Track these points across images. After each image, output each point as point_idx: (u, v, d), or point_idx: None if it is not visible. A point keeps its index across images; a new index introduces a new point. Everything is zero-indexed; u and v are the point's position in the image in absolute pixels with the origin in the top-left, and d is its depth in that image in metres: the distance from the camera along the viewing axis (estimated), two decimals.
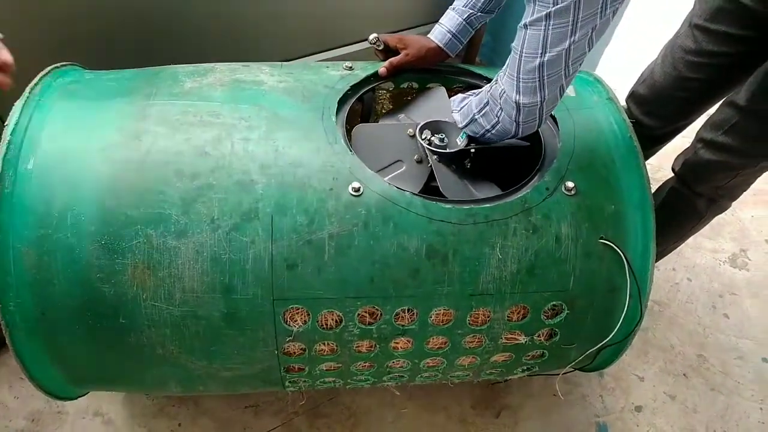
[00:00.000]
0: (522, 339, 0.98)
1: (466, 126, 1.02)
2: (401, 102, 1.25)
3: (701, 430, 1.38)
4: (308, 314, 0.89)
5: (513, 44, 0.87)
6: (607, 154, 0.99)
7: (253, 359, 0.93)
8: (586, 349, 1.03)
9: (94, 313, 0.86)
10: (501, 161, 1.06)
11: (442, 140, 1.04)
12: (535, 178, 0.96)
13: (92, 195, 0.84)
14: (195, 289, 0.85)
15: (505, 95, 0.90)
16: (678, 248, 1.53)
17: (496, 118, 0.94)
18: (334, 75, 1.08)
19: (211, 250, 0.84)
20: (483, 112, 0.97)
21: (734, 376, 1.48)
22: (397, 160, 1.08)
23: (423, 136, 1.05)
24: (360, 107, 1.19)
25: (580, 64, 0.86)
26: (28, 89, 0.93)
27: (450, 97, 1.13)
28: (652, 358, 1.49)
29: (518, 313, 0.95)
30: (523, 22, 0.83)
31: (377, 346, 0.94)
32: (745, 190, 1.28)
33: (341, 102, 1.03)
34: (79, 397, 1.08)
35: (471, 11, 1.14)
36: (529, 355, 1.04)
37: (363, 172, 0.90)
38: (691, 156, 1.23)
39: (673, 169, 1.31)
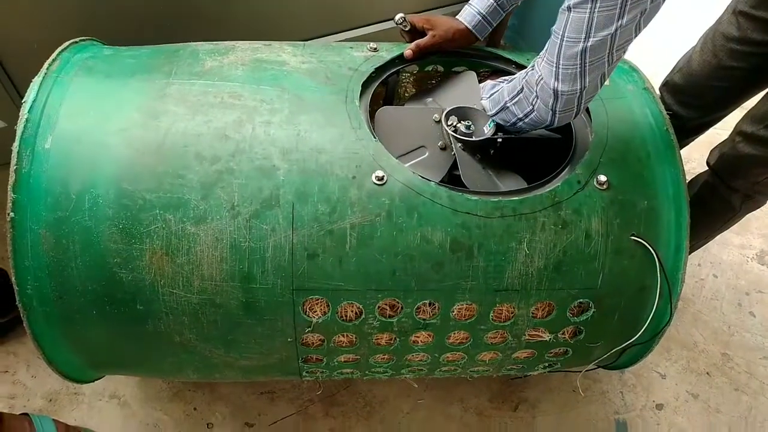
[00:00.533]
0: (546, 336, 0.95)
1: (496, 114, 0.98)
2: (424, 85, 1.21)
3: (724, 430, 1.35)
4: (328, 305, 0.87)
5: (554, 27, 0.82)
6: (641, 147, 0.94)
7: (270, 349, 0.92)
8: (611, 348, 1.00)
9: (112, 299, 0.84)
10: (529, 152, 1.02)
11: (468, 127, 1.01)
12: (566, 170, 0.92)
13: (110, 177, 0.82)
14: (213, 277, 0.83)
15: (542, 82, 0.86)
16: (726, 230, 1.47)
17: (531, 106, 0.90)
18: (358, 56, 1.04)
19: (231, 238, 0.82)
20: (516, 99, 0.93)
21: (759, 377, 1.44)
22: (421, 146, 1.05)
23: (449, 122, 1.02)
24: (383, 90, 1.15)
25: (625, 51, 0.81)
26: (46, 65, 0.90)
27: (480, 82, 1.09)
28: (675, 355, 1.46)
29: (543, 310, 0.92)
30: (566, 4, 0.78)
31: (397, 339, 0.92)
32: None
33: (365, 85, 0.99)
34: (96, 380, 1.07)
35: None
36: (552, 352, 1.01)
37: (387, 160, 0.87)
38: (729, 149, 1.18)
39: (708, 163, 1.26)
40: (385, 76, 1.06)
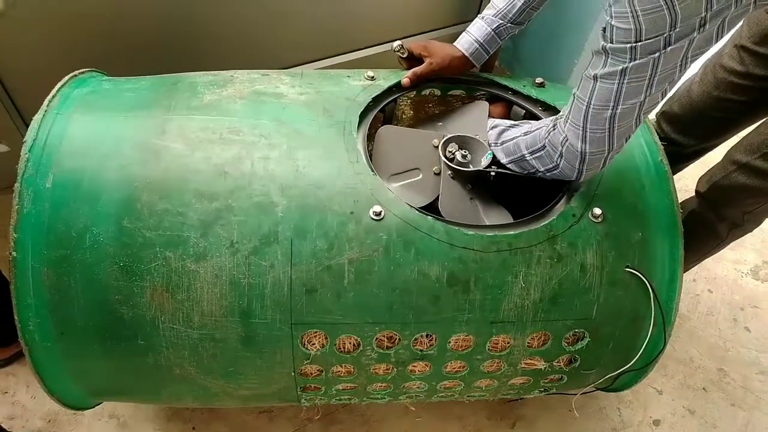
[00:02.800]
0: (541, 365, 0.96)
1: (511, 162, 0.98)
2: (422, 108, 1.22)
3: None
4: (326, 338, 0.88)
5: (576, 92, 0.82)
6: (636, 179, 0.95)
7: (270, 380, 0.93)
8: (606, 374, 1.02)
9: (113, 334, 0.85)
10: (523, 185, 1.03)
11: (464, 156, 1.02)
12: (561, 202, 0.93)
13: (111, 215, 0.83)
14: (213, 313, 0.84)
15: (567, 143, 0.85)
16: (709, 257, 1.49)
17: (554, 164, 0.89)
18: (355, 86, 1.05)
19: (230, 274, 0.83)
20: (537, 155, 0.91)
21: (755, 391, 1.46)
22: (415, 168, 1.06)
23: (449, 149, 1.03)
24: (382, 115, 1.16)
25: (651, 112, 0.82)
26: (46, 102, 0.91)
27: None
28: (672, 371, 1.48)
29: (539, 340, 0.93)
30: (592, 72, 0.78)
31: (394, 369, 0.94)
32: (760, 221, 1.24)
33: (363, 114, 1.00)
34: (95, 406, 1.08)
35: (501, 22, 1.10)
36: (547, 379, 1.02)
37: (385, 194, 0.88)
38: (721, 178, 1.19)
39: (697, 191, 1.27)
40: (382, 105, 1.07)
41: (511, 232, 0.87)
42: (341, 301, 0.85)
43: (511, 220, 0.98)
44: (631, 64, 0.73)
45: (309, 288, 0.84)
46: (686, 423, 1.40)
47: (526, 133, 0.95)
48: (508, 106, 1.16)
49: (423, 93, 1.20)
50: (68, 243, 0.82)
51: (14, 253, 0.81)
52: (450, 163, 1.00)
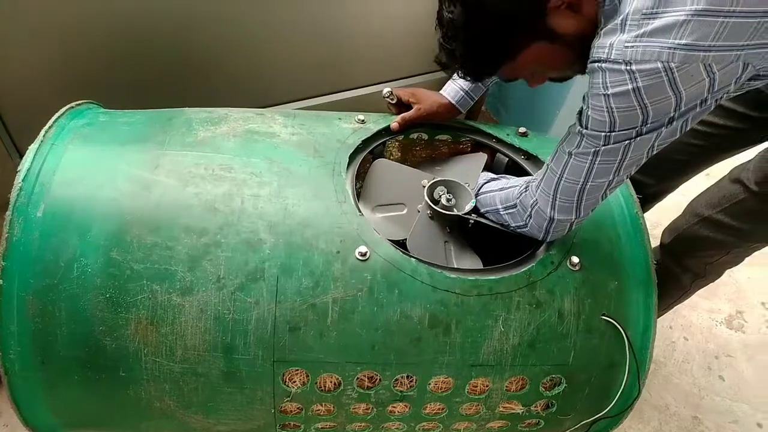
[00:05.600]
0: (519, 409, 0.98)
1: (487, 213, 1.03)
2: (410, 151, 1.26)
3: None
4: (307, 376, 0.89)
5: (550, 164, 0.87)
6: (612, 229, 0.99)
7: (249, 416, 0.93)
8: (582, 420, 1.03)
9: (94, 365, 0.85)
10: (498, 237, 1.06)
11: (449, 201, 1.05)
12: (540, 249, 0.96)
13: (100, 246, 0.84)
14: (196, 347, 0.85)
15: (537, 207, 0.90)
16: (674, 307, 1.54)
17: (523, 222, 0.94)
18: (346, 128, 1.09)
19: (215, 309, 0.84)
20: (509, 211, 0.97)
21: None
22: (401, 203, 1.10)
23: (437, 191, 1.06)
24: (371, 157, 1.20)
25: (616, 190, 0.87)
26: (42, 132, 0.93)
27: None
28: (647, 417, 1.49)
29: (517, 384, 0.95)
30: (567, 149, 0.83)
31: (374, 409, 0.94)
32: (730, 268, 1.29)
33: (352, 156, 1.04)
34: None
35: None
36: (524, 423, 1.03)
37: (370, 235, 0.90)
38: (684, 230, 1.24)
39: (661, 243, 1.32)
40: (371, 148, 1.10)
41: (493, 277, 0.90)
42: (324, 339, 0.86)
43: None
44: (603, 148, 0.79)
45: (292, 326, 0.85)
46: None
47: (501, 189, 1.00)
48: (492, 154, 1.20)
49: (411, 137, 1.24)
50: (55, 273, 0.83)
51: (0, 281, 0.82)
52: (432, 204, 1.04)
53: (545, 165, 0.89)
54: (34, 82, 1.24)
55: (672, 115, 0.73)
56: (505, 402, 0.97)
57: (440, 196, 1.06)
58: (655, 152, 0.80)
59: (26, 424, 0.91)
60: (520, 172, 1.12)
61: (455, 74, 1.20)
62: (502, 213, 0.98)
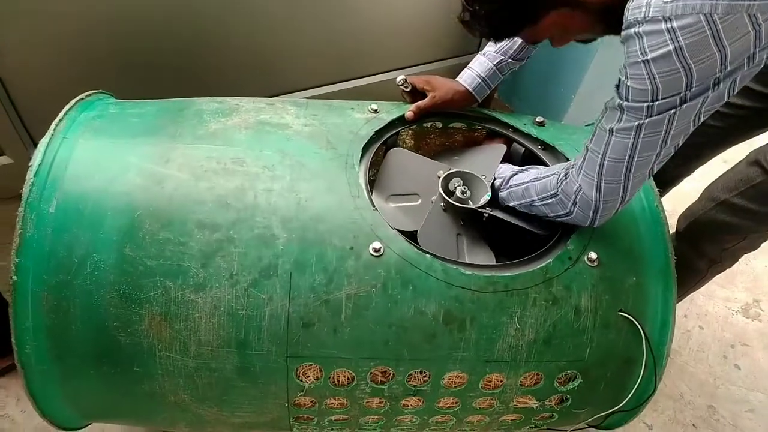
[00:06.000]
0: (533, 403, 0.97)
1: (520, 206, 0.99)
2: (424, 139, 1.24)
3: None
4: (321, 371, 0.88)
5: (590, 144, 0.84)
6: (632, 222, 0.97)
7: (263, 409, 0.93)
8: (597, 413, 1.03)
9: (109, 360, 0.86)
10: (512, 231, 1.04)
11: (464, 193, 1.04)
12: (558, 245, 0.94)
13: (113, 242, 0.83)
14: (210, 343, 0.85)
15: (581, 193, 0.86)
16: (690, 295, 1.52)
17: (567, 211, 0.90)
18: (359, 118, 1.07)
19: (229, 306, 0.84)
20: (547, 201, 0.92)
21: (744, 429, 1.46)
22: (415, 193, 1.08)
23: (451, 182, 1.04)
24: (384, 147, 1.18)
25: (664, 162, 0.83)
26: (53, 126, 0.92)
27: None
28: (662, 406, 1.48)
29: (531, 379, 0.94)
30: (607, 126, 0.80)
31: (387, 403, 0.94)
32: (746, 253, 1.26)
33: (366, 147, 1.02)
34: (86, 425, 1.08)
35: (502, 57, 1.13)
36: (538, 417, 1.03)
37: (384, 231, 0.89)
38: (700, 216, 1.21)
39: (678, 230, 1.30)
40: (385, 138, 1.08)
41: (508, 274, 0.89)
42: (337, 335, 0.86)
43: (494, 262, 1.00)
44: (647, 120, 0.75)
45: (306, 322, 0.85)
46: None
47: (535, 180, 0.96)
48: (508, 142, 1.18)
49: (425, 126, 1.22)
50: (69, 268, 0.83)
51: (15, 277, 0.82)
52: (446, 196, 1.02)
53: (584, 147, 0.86)
54: (47, 70, 1.24)
55: (717, 75, 0.70)
56: (520, 396, 0.96)
57: (455, 188, 1.05)
58: (702, 119, 0.76)
59: (43, 415, 0.92)
60: (537, 162, 1.09)
61: (471, 61, 1.18)
62: (537, 204, 0.94)
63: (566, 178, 0.89)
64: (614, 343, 0.93)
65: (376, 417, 0.99)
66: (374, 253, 0.87)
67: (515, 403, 0.97)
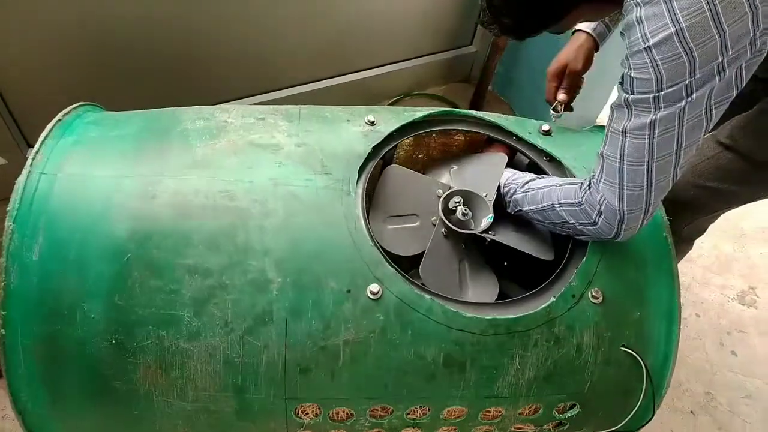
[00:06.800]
0: (531, 430, 0.98)
1: (534, 210, 0.95)
2: (422, 140, 1.17)
3: None
4: (320, 409, 0.88)
5: (604, 151, 0.81)
6: (638, 254, 0.94)
7: None
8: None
9: (107, 404, 0.85)
10: (515, 251, 1.01)
11: (465, 215, 0.99)
12: (562, 278, 0.91)
13: (101, 291, 0.80)
14: (207, 388, 0.84)
15: (606, 202, 0.83)
16: (687, 283, 1.52)
17: (592, 221, 0.86)
18: (354, 133, 1.01)
19: (224, 354, 0.82)
20: (570, 210, 0.89)
21: (742, 415, 1.50)
22: (414, 214, 1.04)
23: (453, 201, 1.00)
24: (382, 162, 1.12)
25: (686, 166, 0.80)
26: (30, 159, 0.87)
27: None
28: None
29: (530, 409, 0.94)
30: (618, 128, 0.78)
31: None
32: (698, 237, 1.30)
33: (362, 166, 0.97)
34: None
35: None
36: None
37: (383, 270, 0.86)
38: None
39: None
40: (382, 154, 1.02)
41: (510, 316, 0.86)
42: (335, 380, 0.85)
43: (497, 288, 0.98)
44: (657, 115, 0.73)
45: (303, 368, 0.84)
46: None
47: (559, 185, 0.92)
48: (510, 149, 1.12)
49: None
50: (58, 319, 0.80)
51: (2, 330, 0.79)
52: (447, 222, 0.98)
53: (599, 156, 0.83)
54: (40, 70, 1.19)
55: (720, 60, 0.69)
56: (518, 424, 0.97)
57: (455, 208, 1.00)
58: (714, 113, 0.74)
59: None
60: (541, 173, 1.04)
61: None
62: (558, 209, 0.90)
63: (589, 188, 0.86)
64: (615, 376, 0.92)
65: None
66: (372, 297, 0.84)
67: (513, 430, 0.98)
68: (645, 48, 0.70)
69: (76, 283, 0.80)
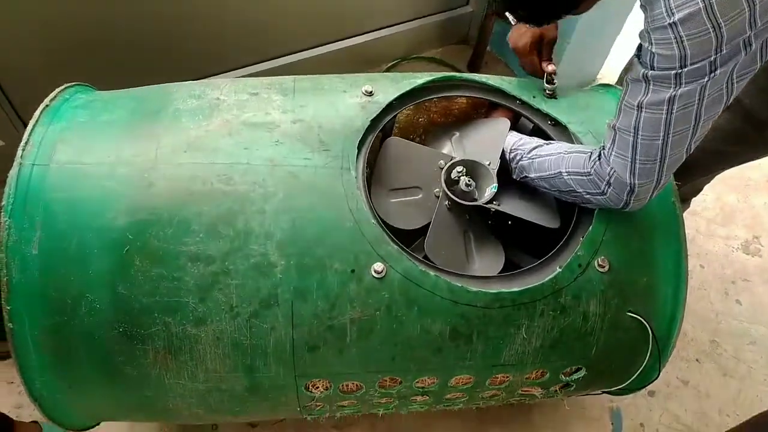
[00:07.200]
0: (537, 392, 1.00)
1: (540, 178, 0.94)
2: (422, 106, 1.14)
3: (714, 414, 1.44)
4: (330, 383, 0.90)
5: (616, 123, 0.78)
6: (646, 220, 0.92)
7: (276, 412, 0.97)
8: (598, 390, 1.06)
9: (120, 388, 0.87)
10: (520, 220, 0.99)
11: (468, 185, 0.97)
12: (568, 248, 0.90)
13: (104, 281, 0.80)
14: (217, 370, 0.85)
15: (615, 174, 0.81)
16: (691, 236, 1.51)
17: (601, 191, 0.85)
18: (352, 104, 0.97)
19: (232, 337, 0.83)
20: (578, 179, 0.87)
21: (747, 361, 1.51)
22: (416, 186, 1.03)
23: (455, 171, 0.98)
24: (381, 135, 1.09)
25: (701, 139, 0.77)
26: (20, 149, 0.85)
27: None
28: None
29: (537, 374, 0.96)
30: (634, 102, 0.74)
31: (396, 400, 0.97)
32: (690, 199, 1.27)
33: (362, 140, 0.94)
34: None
35: None
36: (542, 397, 1.06)
37: (386, 248, 0.85)
38: None
39: None
40: (382, 125, 0.99)
41: (516, 289, 0.86)
42: (343, 356, 0.85)
43: (503, 258, 0.97)
44: (678, 91, 0.70)
45: (311, 346, 0.84)
46: (680, 393, 1.46)
47: (568, 153, 0.90)
48: (512, 113, 1.09)
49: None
50: (64, 310, 0.80)
51: (11, 324, 0.80)
52: (450, 194, 0.96)
53: (611, 127, 0.80)
54: (33, 50, 1.15)
55: (748, 34, 0.65)
56: (525, 387, 0.99)
57: (458, 178, 0.98)
58: (736, 87, 0.71)
59: (65, 427, 0.95)
60: (545, 137, 1.02)
61: None
62: (565, 177, 0.89)
63: (599, 159, 0.84)
64: (621, 340, 0.93)
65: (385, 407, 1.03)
66: (376, 275, 0.83)
67: (521, 392, 1.00)
68: (670, 24, 0.66)
69: (79, 275, 0.80)
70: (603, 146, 0.84)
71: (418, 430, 1.37)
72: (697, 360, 1.52)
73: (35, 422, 1.20)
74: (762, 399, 1.47)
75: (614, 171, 0.81)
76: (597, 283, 0.88)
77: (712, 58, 0.66)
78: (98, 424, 1.07)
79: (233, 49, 1.24)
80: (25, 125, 0.88)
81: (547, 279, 0.87)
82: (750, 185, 1.84)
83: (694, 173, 1.24)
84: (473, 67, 1.88)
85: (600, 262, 0.88)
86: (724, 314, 1.59)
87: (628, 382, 0.99)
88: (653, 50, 0.69)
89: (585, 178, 0.86)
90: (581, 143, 0.96)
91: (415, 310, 0.84)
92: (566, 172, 0.89)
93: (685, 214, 1.34)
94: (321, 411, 1.00)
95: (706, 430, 1.42)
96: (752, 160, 1.18)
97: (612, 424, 1.42)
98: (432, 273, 0.85)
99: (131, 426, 1.30)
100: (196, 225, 0.82)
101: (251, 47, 1.25)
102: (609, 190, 0.84)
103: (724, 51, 0.66)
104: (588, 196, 0.88)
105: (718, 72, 0.67)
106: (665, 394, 1.46)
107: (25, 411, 1.32)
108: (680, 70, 0.68)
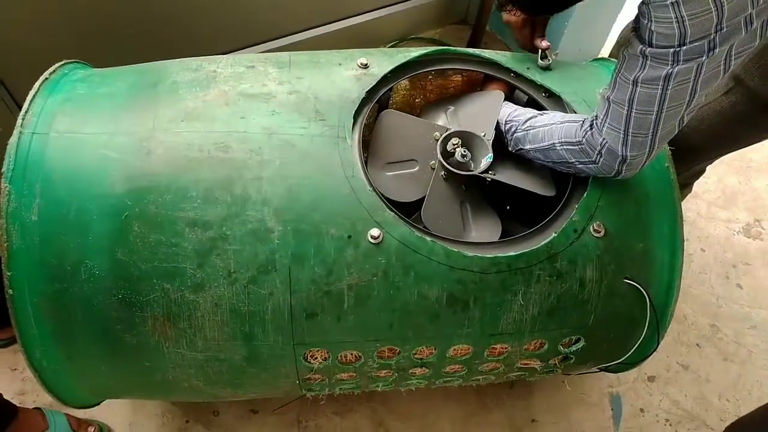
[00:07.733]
0: (537, 365, 1.00)
1: (535, 149, 0.94)
2: (418, 82, 1.15)
3: (714, 399, 1.43)
4: (328, 353, 0.90)
5: (610, 96, 0.78)
6: (640, 186, 0.92)
7: (275, 386, 0.97)
8: (596, 365, 1.06)
9: (119, 358, 0.87)
10: (517, 190, 1.00)
11: (464, 156, 0.98)
12: (563, 214, 0.91)
13: (103, 247, 0.81)
14: (216, 338, 0.85)
15: (607, 145, 0.82)
16: (692, 219, 1.51)
17: (592, 160, 0.86)
18: (347, 76, 0.98)
19: (230, 303, 0.83)
20: (570, 149, 0.88)
21: (747, 346, 1.51)
22: (412, 159, 1.03)
23: (451, 143, 0.99)
24: (377, 106, 1.10)
25: (694, 111, 0.77)
26: (20, 119, 0.86)
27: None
28: None
29: (535, 345, 0.96)
30: (629, 76, 0.74)
31: (395, 373, 0.97)
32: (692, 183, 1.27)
33: (358, 110, 0.95)
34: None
35: None
36: (542, 371, 1.06)
37: (383, 214, 0.86)
38: None
39: None
40: (377, 97, 1.00)
41: (512, 254, 0.86)
42: (341, 323, 0.86)
43: (500, 228, 0.97)
44: (675, 69, 0.70)
45: (309, 313, 0.85)
46: (680, 378, 1.46)
47: (561, 123, 0.90)
48: (508, 86, 1.09)
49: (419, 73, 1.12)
50: (63, 276, 0.81)
51: (11, 291, 0.80)
52: (446, 164, 0.97)
53: (604, 98, 0.81)
54: (27, 32, 1.15)
55: (750, 11, 0.64)
56: (524, 359, 0.98)
57: (454, 149, 0.99)
58: (733, 63, 0.71)
59: (65, 404, 0.95)
60: (540, 108, 1.02)
61: None
62: (558, 149, 0.90)
63: (591, 129, 0.85)
64: (619, 308, 0.93)
65: (384, 381, 1.03)
66: (373, 241, 0.84)
67: (520, 365, 1.00)
68: (672, 3, 0.65)
69: (78, 241, 0.81)
70: (596, 116, 0.84)
71: (418, 414, 1.37)
72: (697, 345, 1.52)
73: (38, 408, 1.20)
74: (762, 383, 1.47)
75: (606, 142, 0.82)
76: (593, 248, 0.88)
77: (711, 37, 0.66)
78: (99, 404, 1.08)
79: (231, 30, 1.25)
80: (20, 108, 0.89)
81: (542, 243, 0.87)
82: (752, 167, 1.83)
83: (698, 158, 1.24)
84: (473, 47, 1.86)
85: (595, 227, 0.88)
86: (724, 298, 1.58)
87: (629, 354, 0.99)
88: (652, 28, 0.69)
89: (576, 147, 0.87)
90: (575, 112, 0.97)
91: (411, 275, 0.85)
92: (559, 142, 0.90)
93: (685, 199, 1.35)
94: (320, 386, 1.00)
95: (706, 415, 1.42)
96: (759, 141, 1.18)
97: (612, 409, 1.42)
98: (428, 238, 0.86)
99: (134, 410, 1.31)
100: (194, 191, 0.83)
101: (249, 28, 1.26)
102: (601, 159, 0.85)
103: (725, 29, 0.65)
104: (581, 165, 0.88)
105: (716, 50, 0.67)
106: (665, 379, 1.46)
107: (29, 398, 1.32)
108: (678, 49, 0.68)
